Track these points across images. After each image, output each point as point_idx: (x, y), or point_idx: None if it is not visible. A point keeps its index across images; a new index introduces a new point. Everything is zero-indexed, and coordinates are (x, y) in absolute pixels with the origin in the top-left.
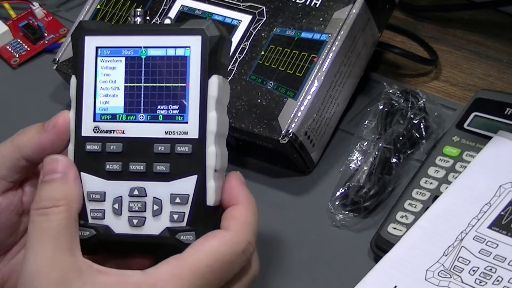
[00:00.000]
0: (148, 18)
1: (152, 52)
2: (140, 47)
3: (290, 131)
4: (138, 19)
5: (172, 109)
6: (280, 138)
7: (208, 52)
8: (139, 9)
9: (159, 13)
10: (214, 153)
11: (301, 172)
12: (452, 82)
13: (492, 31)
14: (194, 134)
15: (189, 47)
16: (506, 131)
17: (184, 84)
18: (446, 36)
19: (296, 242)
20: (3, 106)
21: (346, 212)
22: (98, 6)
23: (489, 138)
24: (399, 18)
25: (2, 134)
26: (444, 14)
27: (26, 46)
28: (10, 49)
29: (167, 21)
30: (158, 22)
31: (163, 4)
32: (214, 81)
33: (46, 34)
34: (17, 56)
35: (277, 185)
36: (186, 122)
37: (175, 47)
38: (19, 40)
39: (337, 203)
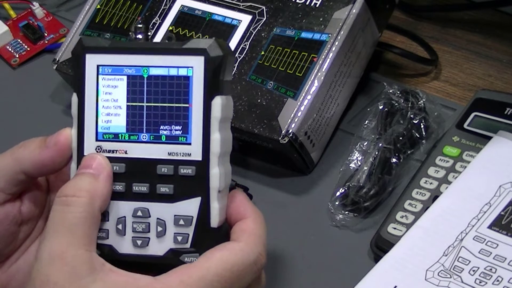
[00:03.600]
0: (149, 34)
1: (154, 72)
2: (143, 66)
3: (290, 131)
4: (140, 36)
5: (175, 130)
6: (280, 138)
7: (211, 73)
8: (140, 25)
9: (159, 13)
10: (218, 175)
11: (301, 172)
12: (452, 82)
13: (492, 31)
14: (197, 156)
15: (191, 67)
16: (506, 131)
17: (187, 105)
18: (446, 36)
19: (296, 242)
20: (3, 106)
21: (346, 212)
22: (98, 6)
23: (489, 138)
24: (399, 18)
25: (2, 134)
26: (444, 14)
27: (26, 46)
28: (10, 49)
29: (168, 37)
30: (158, 23)
31: (163, 4)
32: (217, 102)
33: (46, 34)
34: (17, 56)
35: (277, 185)
36: (190, 144)
37: (178, 67)
38: (19, 40)
39: (337, 203)
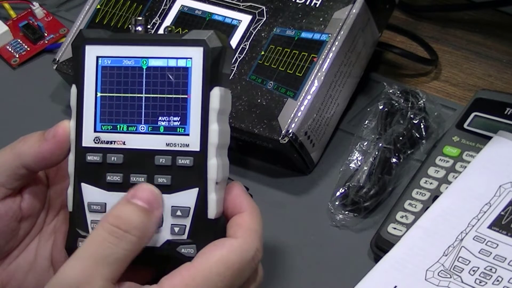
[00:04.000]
0: (149, 26)
1: (153, 63)
2: (142, 58)
3: (290, 131)
4: (139, 28)
5: (174, 121)
6: (280, 138)
7: (210, 63)
8: (140, 18)
9: (159, 13)
10: (215, 166)
11: (301, 172)
12: (452, 82)
13: (492, 31)
14: (195, 146)
15: (190, 58)
16: (506, 131)
17: (186, 96)
18: (446, 36)
19: (296, 242)
20: (3, 106)
21: (346, 212)
22: (98, 6)
23: (489, 138)
24: (399, 18)
25: (2, 134)
26: (444, 14)
27: (26, 46)
28: (10, 49)
29: (168, 30)
30: (158, 23)
31: (163, 4)
32: (216, 93)
33: (46, 34)
34: (17, 56)
35: (277, 185)
36: (188, 134)
37: (177, 58)
38: (19, 40)
39: (337, 203)
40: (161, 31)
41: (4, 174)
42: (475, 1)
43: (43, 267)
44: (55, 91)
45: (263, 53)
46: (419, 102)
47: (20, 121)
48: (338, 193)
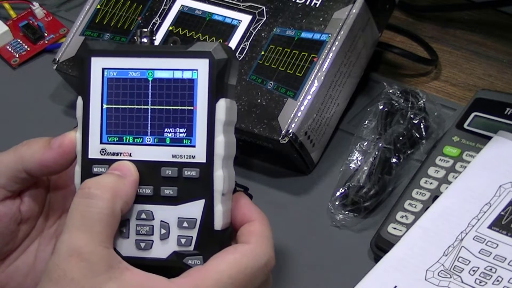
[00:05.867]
0: (154, 38)
1: (159, 74)
2: (148, 69)
3: (290, 131)
4: (145, 40)
5: (180, 132)
6: (280, 138)
7: (215, 75)
8: (145, 29)
9: (159, 13)
10: (221, 177)
11: (301, 172)
12: (452, 82)
13: (492, 31)
14: (201, 158)
15: (196, 70)
16: (506, 131)
17: (192, 107)
18: (446, 36)
19: (296, 242)
20: (3, 106)
21: (346, 212)
22: (98, 6)
23: (489, 138)
24: (399, 18)
25: (2, 134)
26: (444, 14)
27: (26, 46)
28: (10, 49)
29: (173, 42)
30: (158, 23)
31: (163, 4)
32: (222, 104)
33: (46, 34)
34: (17, 56)
35: (277, 185)
36: (194, 146)
37: (182, 70)
38: (19, 40)
39: (337, 203)
40: (161, 31)
41: (4, 176)
42: (475, 1)
43: (43, 271)
44: (55, 91)
45: (263, 53)
46: (419, 102)
47: (20, 121)
48: (338, 193)
